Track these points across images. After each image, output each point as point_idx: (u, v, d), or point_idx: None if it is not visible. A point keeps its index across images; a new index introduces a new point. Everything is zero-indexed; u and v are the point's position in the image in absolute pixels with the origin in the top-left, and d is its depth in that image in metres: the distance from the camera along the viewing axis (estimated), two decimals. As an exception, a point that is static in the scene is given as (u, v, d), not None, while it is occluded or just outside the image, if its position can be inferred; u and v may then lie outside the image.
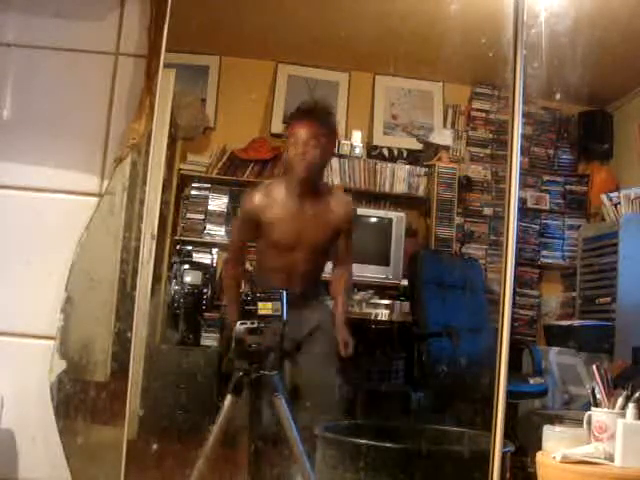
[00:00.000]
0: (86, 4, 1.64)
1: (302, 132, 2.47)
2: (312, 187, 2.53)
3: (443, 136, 3.97)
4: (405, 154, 3.95)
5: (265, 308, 1.97)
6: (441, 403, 3.26)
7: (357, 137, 3.90)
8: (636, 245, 3.46)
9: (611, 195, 3.76)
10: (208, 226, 3.73)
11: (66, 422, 1.51)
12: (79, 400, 1.52)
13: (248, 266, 3.66)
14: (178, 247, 3.64)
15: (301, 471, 1.91)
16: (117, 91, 1.63)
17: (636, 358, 2.82)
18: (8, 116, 1.63)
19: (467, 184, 3.94)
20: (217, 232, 3.73)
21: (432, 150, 3.92)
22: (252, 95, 3.83)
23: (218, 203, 3.75)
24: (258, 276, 2.66)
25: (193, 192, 3.75)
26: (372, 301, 3.63)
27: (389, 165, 3.90)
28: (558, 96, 3.31)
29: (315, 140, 2.46)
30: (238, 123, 3.78)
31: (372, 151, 3.94)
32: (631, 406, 1.55)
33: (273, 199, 2.51)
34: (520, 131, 1.63)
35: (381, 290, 3.66)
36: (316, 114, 2.58)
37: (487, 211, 3.96)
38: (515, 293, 3.48)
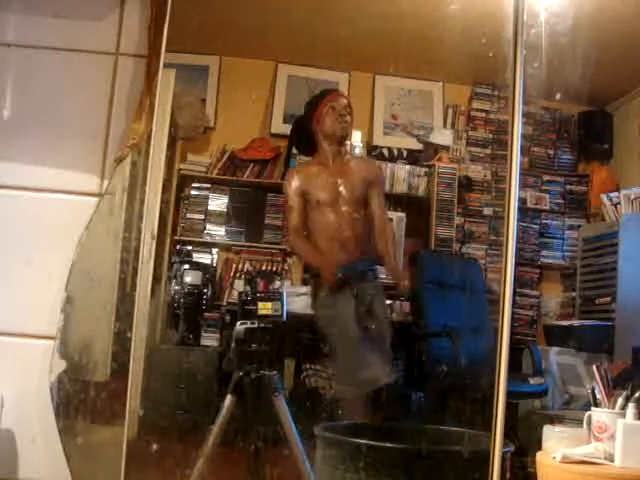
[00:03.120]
0: (86, 4, 1.64)
1: (341, 100, 2.95)
2: (343, 151, 2.98)
3: (443, 136, 3.97)
4: (405, 154, 3.95)
5: (265, 308, 1.97)
6: (441, 403, 3.26)
7: (357, 137, 3.90)
8: (636, 245, 3.46)
9: (611, 195, 3.76)
10: (208, 226, 3.73)
11: (66, 422, 1.51)
12: (79, 400, 1.52)
13: (248, 266, 3.67)
14: (178, 247, 3.64)
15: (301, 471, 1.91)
16: (117, 91, 1.63)
17: (636, 358, 2.82)
18: (8, 116, 1.63)
19: (467, 184, 3.94)
20: (217, 232, 3.73)
21: (432, 150, 3.92)
22: (252, 95, 3.82)
23: (218, 203, 3.76)
24: (320, 248, 2.89)
25: (193, 192, 3.75)
26: (372, 301, 3.62)
27: (389, 165, 3.89)
28: (558, 96, 3.31)
29: (348, 108, 2.93)
30: (238, 123, 3.78)
31: (372, 151, 3.94)
32: (631, 406, 1.55)
33: (311, 171, 2.93)
34: (520, 131, 1.63)
35: (381, 290, 3.66)
36: (338, 90, 3.17)
37: (487, 211, 3.96)
38: (515, 293, 3.48)
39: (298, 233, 2.89)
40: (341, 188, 2.87)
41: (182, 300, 3.35)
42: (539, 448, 1.64)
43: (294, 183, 2.89)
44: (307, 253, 3.00)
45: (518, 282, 3.79)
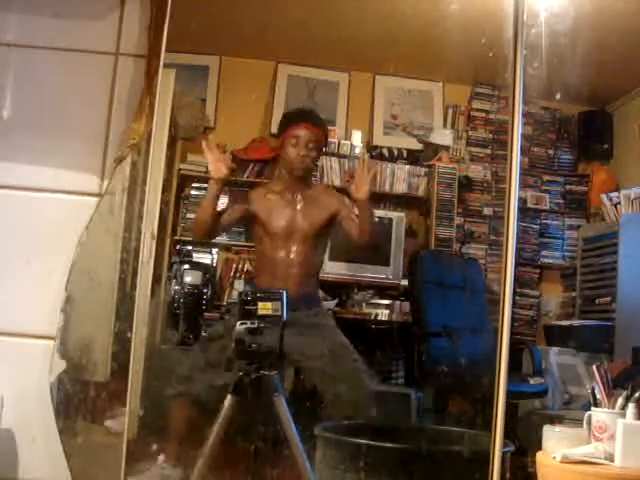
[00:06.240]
0: (86, 4, 1.64)
1: (304, 135, 2.66)
2: (305, 183, 2.77)
3: (443, 136, 3.97)
4: (405, 154, 3.95)
5: (265, 308, 1.97)
6: (441, 403, 3.26)
7: (357, 137, 3.90)
8: (636, 245, 3.46)
9: (611, 195, 3.76)
10: (208, 226, 3.72)
11: (66, 422, 1.51)
12: (79, 400, 1.52)
13: (248, 266, 3.67)
14: (178, 247, 3.63)
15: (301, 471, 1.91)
16: (117, 91, 1.63)
17: (636, 358, 2.82)
18: (8, 116, 1.63)
19: (467, 184, 3.94)
20: (217, 232, 3.72)
21: (432, 150, 3.92)
22: (252, 95, 3.82)
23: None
24: (258, 278, 2.77)
25: (193, 192, 3.75)
26: (372, 301, 3.63)
27: (389, 165, 3.89)
28: (558, 96, 3.31)
29: (314, 143, 2.67)
30: (238, 123, 3.77)
31: (372, 151, 3.94)
32: (631, 406, 1.55)
33: (268, 195, 2.73)
34: (520, 131, 1.63)
35: (381, 290, 3.66)
36: (314, 118, 2.81)
37: (487, 211, 3.96)
38: (515, 293, 3.48)
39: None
40: (299, 221, 2.67)
41: (182, 300, 3.34)
42: (539, 448, 1.64)
43: (241, 205, 2.71)
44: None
45: (518, 282, 3.79)
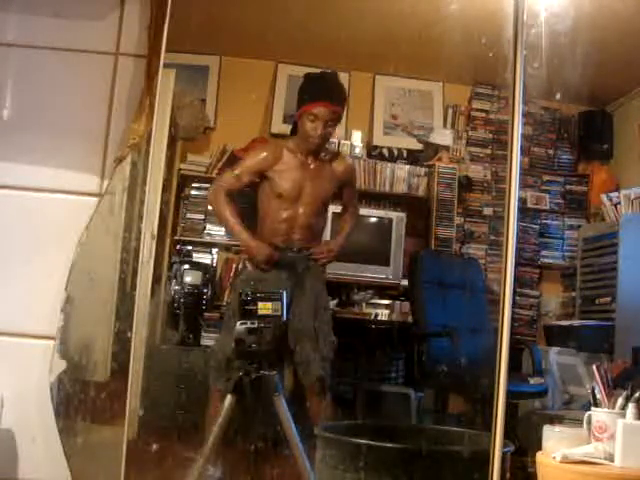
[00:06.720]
0: (86, 4, 1.64)
1: (322, 113, 2.76)
2: (319, 151, 2.88)
3: (443, 136, 3.97)
4: (405, 154, 3.95)
5: (265, 308, 1.97)
6: (441, 403, 3.26)
7: (357, 137, 3.90)
8: (636, 245, 3.46)
9: (611, 195, 3.76)
10: (208, 226, 3.73)
11: (66, 422, 1.51)
12: (79, 400, 1.52)
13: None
14: (178, 247, 3.64)
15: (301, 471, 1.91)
16: (117, 91, 1.63)
17: (636, 358, 2.82)
18: (8, 116, 1.63)
19: (467, 184, 3.94)
20: (217, 232, 3.73)
21: (432, 150, 3.92)
22: (252, 95, 3.82)
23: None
24: (262, 232, 2.88)
25: (193, 192, 3.75)
26: (372, 301, 3.63)
27: (389, 165, 3.89)
28: (558, 96, 3.31)
29: (331, 120, 2.79)
30: (238, 123, 3.77)
31: (372, 151, 3.94)
32: (631, 406, 1.55)
33: (282, 154, 2.85)
34: (520, 131, 1.63)
35: (381, 290, 3.66)
36: (332, 95, 2.87)
37: (487, 211, 3.96)
38: (515, 293, 3.48)
39: (228, 198, 2.84)
40: (307, 187, 2.82)
41: (182, 300, 3.35)
42: (539, 448, 1.64)
43: (261, 155, 2.86)
44: (238, 229, 2.89)
45: (518, 282, 3.79)
